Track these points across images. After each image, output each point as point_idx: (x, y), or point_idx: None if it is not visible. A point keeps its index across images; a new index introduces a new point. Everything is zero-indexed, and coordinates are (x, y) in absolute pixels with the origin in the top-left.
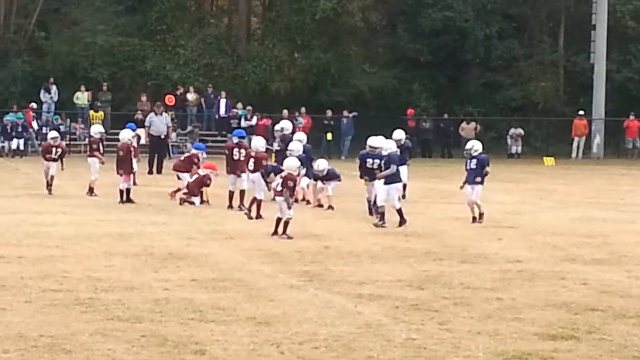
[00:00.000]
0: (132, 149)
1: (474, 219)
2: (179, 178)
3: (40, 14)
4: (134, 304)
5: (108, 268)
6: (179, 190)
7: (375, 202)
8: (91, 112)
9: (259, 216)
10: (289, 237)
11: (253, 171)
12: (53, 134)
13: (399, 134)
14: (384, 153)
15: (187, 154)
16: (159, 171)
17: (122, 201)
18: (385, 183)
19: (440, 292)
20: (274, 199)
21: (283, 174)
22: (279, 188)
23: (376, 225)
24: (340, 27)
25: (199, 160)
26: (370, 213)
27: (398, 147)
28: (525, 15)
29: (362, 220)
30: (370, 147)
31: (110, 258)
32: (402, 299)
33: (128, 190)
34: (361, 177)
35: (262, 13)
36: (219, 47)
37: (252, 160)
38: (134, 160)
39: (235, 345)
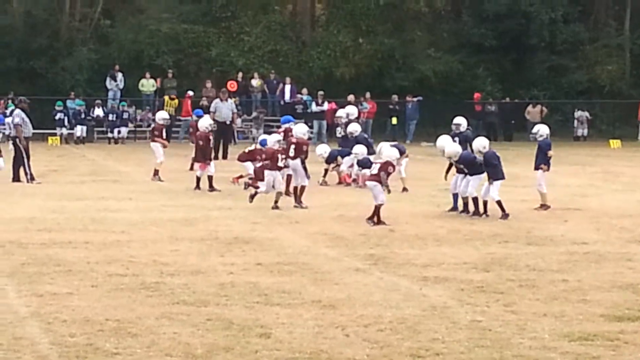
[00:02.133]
0: (210, 137)
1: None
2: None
3: (105, 2)
4: (200, 288)
5: (174, 252)
6: (241, 176)
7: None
8: (166, 98)
9: (299, 202)
10: (376, 223)
11: (293, 158)
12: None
13: (459, 120)
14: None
15: (251, 149)
16: (224, 157)
17: (197, 187)
18: (470, 174)
19: (505, 275)
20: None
21: (381, 160)
22: (375, 172)
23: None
24: (405, 13)
25: (262, 156)
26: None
27: (456, 135)
28: None
29: (428, 204)
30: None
31: (176, 243)
32: (468, 281)
33: (210, 177)
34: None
35: None
36: (283, 33)
37: (292, 146)
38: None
39: (300, 328)
